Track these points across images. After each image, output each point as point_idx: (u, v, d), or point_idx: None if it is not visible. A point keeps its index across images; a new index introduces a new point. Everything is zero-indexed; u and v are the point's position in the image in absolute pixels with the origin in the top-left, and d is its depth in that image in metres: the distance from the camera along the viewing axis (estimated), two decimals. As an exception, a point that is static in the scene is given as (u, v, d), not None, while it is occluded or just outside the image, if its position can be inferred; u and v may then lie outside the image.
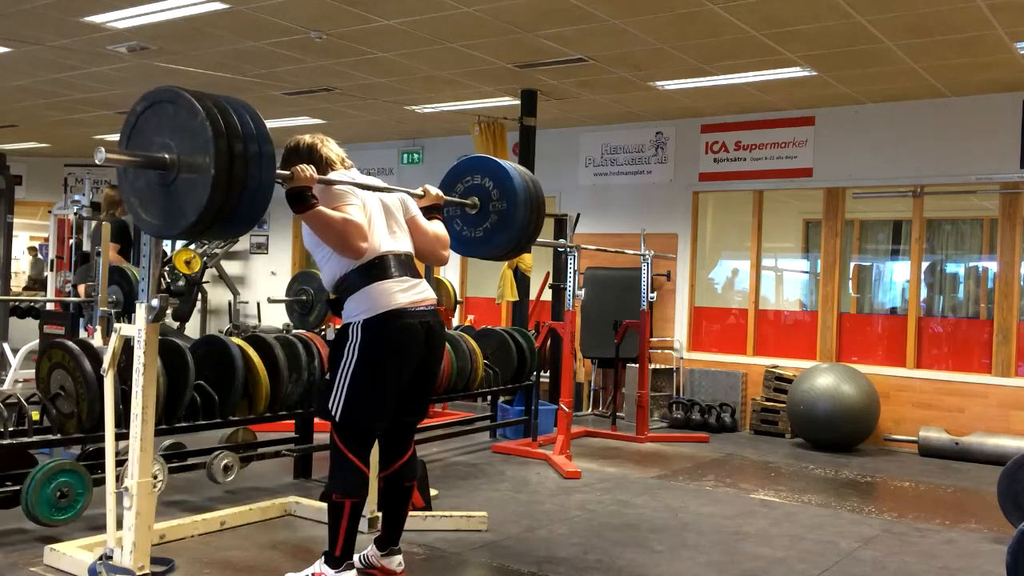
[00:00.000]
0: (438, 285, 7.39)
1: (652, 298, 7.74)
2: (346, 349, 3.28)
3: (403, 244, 3.46)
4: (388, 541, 3.58)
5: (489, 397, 7.50)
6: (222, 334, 5.92)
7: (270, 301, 7.47)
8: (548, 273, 8.55)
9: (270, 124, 2.99)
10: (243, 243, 12.13)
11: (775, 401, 7.91)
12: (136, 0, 5.96)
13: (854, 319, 8.22)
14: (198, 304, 10.81)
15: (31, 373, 5.89)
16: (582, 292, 6.79)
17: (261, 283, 11.94)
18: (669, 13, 5.70)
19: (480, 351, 6.29)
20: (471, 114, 8.54)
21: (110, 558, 3.34)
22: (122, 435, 3.64)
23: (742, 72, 7.02)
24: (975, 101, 7.46)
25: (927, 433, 7.18)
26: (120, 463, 3.47)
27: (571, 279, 6.54)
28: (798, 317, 8.55)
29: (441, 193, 3.81)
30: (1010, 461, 4.59)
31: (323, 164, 3.44)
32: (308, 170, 3.14)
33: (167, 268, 8.46)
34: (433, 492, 4.88)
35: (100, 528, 3.83)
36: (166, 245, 7.82)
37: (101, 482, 3.92)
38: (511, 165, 4.11)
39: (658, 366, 8.70)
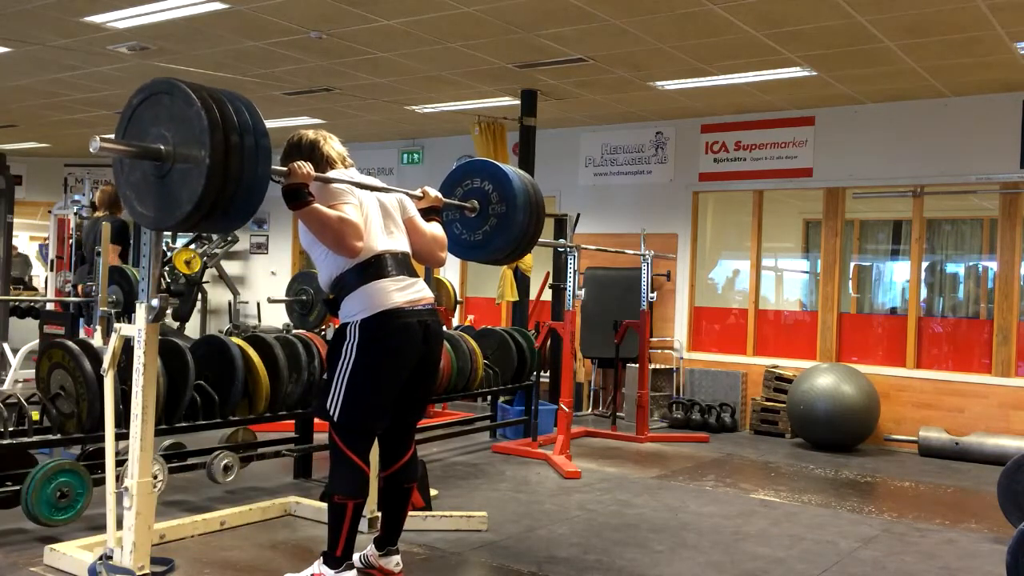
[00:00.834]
0: (438, 285, 7.39)
1: (652, 298, 7.74)
2: (343, 349, 3.28)
3: (400, 244, 3.46)
4: (387, 541, 3.58)
5: (489, 397, 7.51)
6: (222, 334, 5.92)
7: (270, 301, 7.48)
8: (548, 273, 8.55)
9: (270, 124, 2.99)
10: (243, 243, 12.14)
11: (775, 401, 7.91)
12: (136, 0, 5.96)
13: (854, 319, 8.22)
14: (198, 304, 10.80)
15: (31, 373, 5.89)
16: (582, 292, 6.79)
17: (261, 283, 11.94)
18: (669, 13, 5.70)
19: (480, 351, 6.29)
20: (471, 114, 8.54)
21: (110, 558, 3.34)
22: (122, 435, 3.64)
23: (742, 72, 7.02)
24: (975, 101, 7.46)
25: (927, 433, 7.18)
26: (120, 463, 3.47)
27: (571, 279, 6.54)
28: (798, 317, 8.55)
29: (440, 195, 3.81)
30: (1010, 461, 4.59)
31: (323, 162, 3.43)
32: (305, 167, 3.14)
33: (167, 268, 8.46)
34: (433, 492, 4.88)
35: (100, 528, 3.84)
36: (166, 245, 7.82)
37: (101, 482, 3.92)
38: (511, 169, 4.11)
39: (658, 366, 8.70)
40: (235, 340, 4.74)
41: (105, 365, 3.49)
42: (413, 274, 3.43)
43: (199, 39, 6.76)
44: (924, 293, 7.97)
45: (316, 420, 5.23)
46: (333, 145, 3.51)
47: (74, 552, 3.59)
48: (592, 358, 8.97)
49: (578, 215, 8.23)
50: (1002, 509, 4.56)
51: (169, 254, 8.73)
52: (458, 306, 8.10)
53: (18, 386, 7.94)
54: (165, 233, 3.64)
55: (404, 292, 3.32)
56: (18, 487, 3.90)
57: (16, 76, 8.25)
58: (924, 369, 7.67)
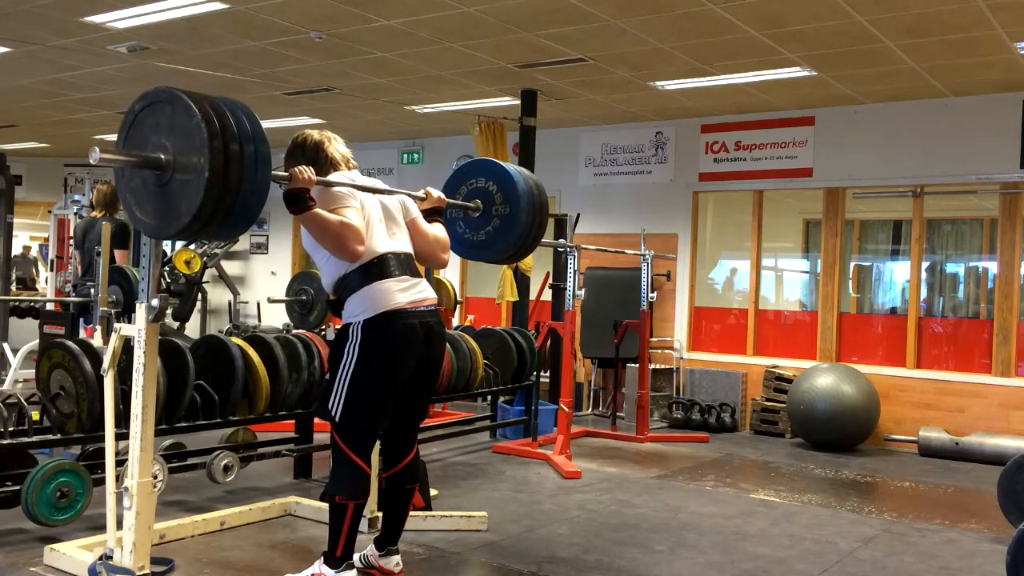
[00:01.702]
0: (438, 285, 7.39)
1: (652, 298, 7.74)
2: (346, 349, 3.28)
3: (402, 245, 3.46)
4: (387, 541, 3.58)
5: (489, 397, 7.51)
6: (222, 334, 5.92)
7: (270, 301, 7.47)
8: (548, 273, 8.55)
9: (270, 124, 2.99)
10: (243, 243, 12.14)
11: (775, 401, 7.91)
12: (136, 0, 5.96)
13: (854, 319, 8.22)
14: (198, 304, 10.80)
15: (31, 373, 5.89)
16: (582, 292, 6.79)
17: (261, 283, 11.94)
18: (669, 13, 5.70)
19: (480, 351, 6.29)
20: (471, 114, 8.54)
21: (110, 558, 3.34)
22: (122, 435, 3.64)
23: (742, 72, 7.02)
24: (975, 101, 7.46)
25: (927, 433, 7.18)
26: (120, 463, 3.48)
27: (571, 279, 6.54)
28: (798, 317, 8.55)
29: (443, 196, 3.81)
30: (1010, 461, 4.60)
31: (327, 164, 3.43)
32: (306, 172, 3.13)
33: (167, 268, 8.46)
34: (433, 492, 4.88)
35: (100, 528, 3.84)
36: (166, 245, 7.83)
37: (101, 482, 3.93)
38: (515, 168, 4.10)
39: (658, 366, 8.70)
40: (235, 340, 4.74)
41: (105, 365, 3.49)
42: (416, 275, 3.43)
43: (199, 39, 6.76)
44: (924, 293, 7.97)
45: (316, 420, 5.24)
46: (337, 147, 3.51)
47: (74, 552, 3.59)
48: (592, 358, 8.97)
49: (578, 215, 8.22)
50: (1002, 509, 4.56)
51: (169, 254, 8.73)
52: (458, 306, 8.09)
53: (18, 386, 7.94)
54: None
55: (407, 293, 3.32)
56: (18, 487, 3.90)
57: (16, 76, 8.25)
58: (924, 369, 7.67)
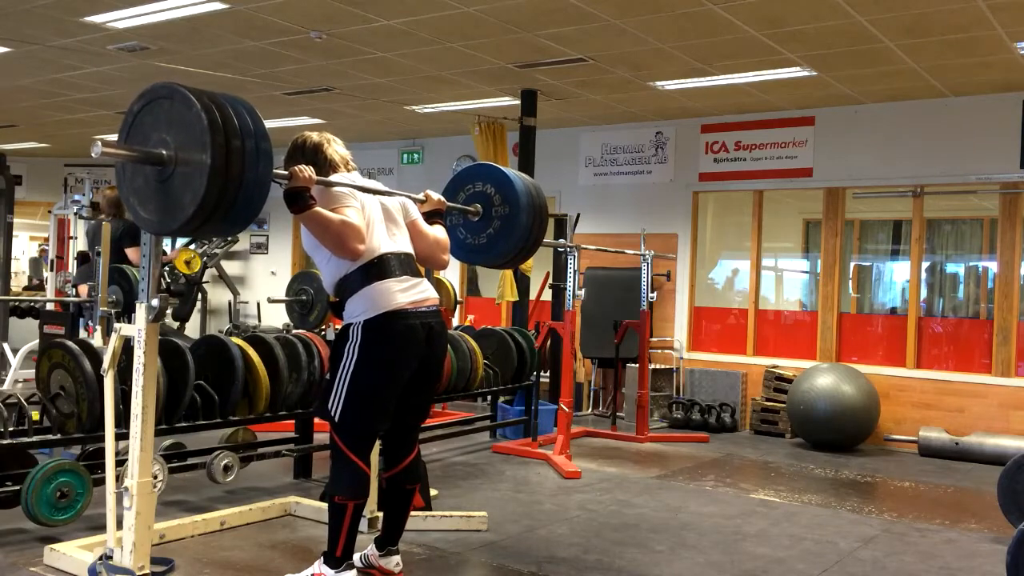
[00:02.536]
0: (438, 285, 7.38)
1: (652, 298, 7.74)
2: (346, 349, 3.28)
3: (403, 245, 3.46)
4: (387, 541, 3.58)
5: (489, 397, 7.51)
6: (222, 334, 5.92)
7: (270, 301, 7.47)
8: (548, 273, 8.55)
9: (270, 124, 2.99)
10: (243, 243, 12.14)
11: (775, 401, 7.91)
12: (136, 0, 5.96)
13: (854, 319, 8.22)
14: (198, 304, 10.80)
15: (31, 373, 5.90)
16: (582, 292, 6.79)
17: (261, 283, 11.94)
18: (669, 13, 5.70)
19: (480, 351, 6.29)
20: (471, 114, 8.54)
21: (110, 558, 3.34)
22: (122, 435, 3.64)
23: (742, 72, 7.02)
24: (975, 101, 7.46)
25: (927, 433, 7.18)
26: (120, 463, 3.48)
27: (571, 279, 6.54)
28: (798, 317, 8.56)
29: (443, 198, 3.81)
30: (1010, 461, 4.60)
31: (326, 165, 3.43)
32: (307, 171, 3.13)
33: (167, 268, 8.46)
34: (433, 492, 4.88)
35: (100, 528, 3.84)
36: (166, 245, 7.82)
37: (101, 482, 3.93)
38: (514, 172, 4.12)
39: (658, 366, 8.70)
40: (235, 340, 4.74)
41: (105, 365, 3.50)
42: (417, 275, 3.43)
43: (199, 39, 6.76)
44: (924, 293, 7.97)
45: (316, 420, 5.24)
46: (336, 148, 3.52)
47: (74, 552, 3.59)
48: (592, 358, 8.97)
49: (578, 215, 8.22)
50: (1002, 509, 4.56)
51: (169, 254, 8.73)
52: (458, 306, 8.09)
53: (18, 386, 7.95)
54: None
55: (408, 293, 3.32)
56: (18, 487, 3.90)
57: (16, 76, 8.25)
58: (924, 369, 7.67)
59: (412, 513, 4.24)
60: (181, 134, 2.86)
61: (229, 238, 11.27)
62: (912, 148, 7.72)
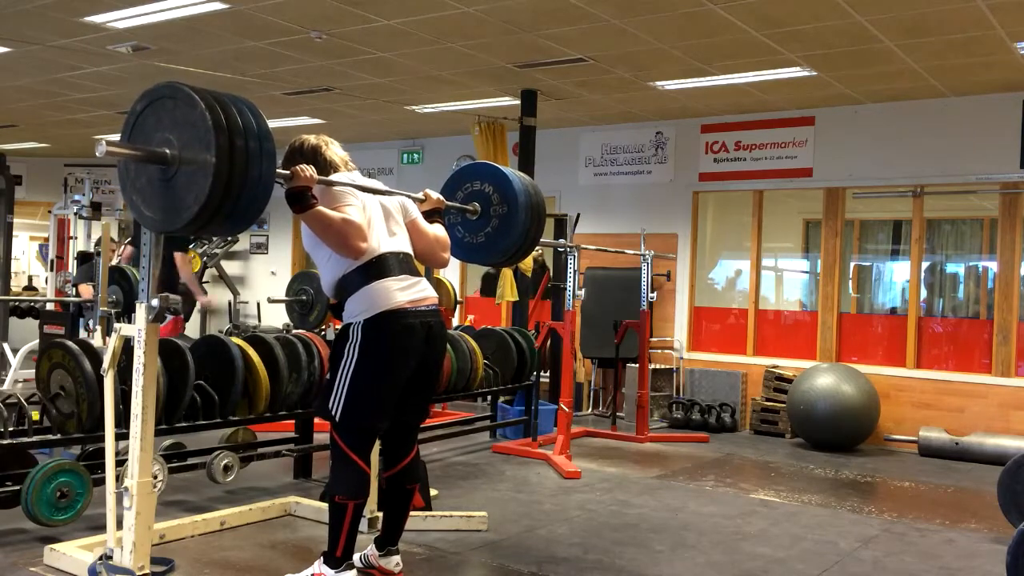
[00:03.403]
0: (437, 285, 7.39)
1: (652, 298, 7.74)
2: (346, 349, 3.28)
3: (402, 244, 3.46)
4: (387, 541, 3.59)
5: (489, 397, 7.51)
6: (222, 334, 5.92)
7: (270, 301, 7.48)
8: (548, 273, 8.55)
9: (271, 124, 2.99)
10: (243, 243, 12.14)
11: (775, 401, 7.91)
12: (136, 0, 5.96)
13: (854, 319, 8.22)
14: (198, 304, 10.79)
15: (31, 373, 5.90)
16: (582, 292, 6.79)
17: (261, 283, 11.94)
18: (669, 13, 5.70)
19: (480, 351, 6.29)
20: (471, 114, 8.54)
21: (110, 558, 3.34)
22: (122, 435, 3.64)
23: (742, 72, 7.02)
24: (975, 101, 7.46)
25: (927, 433, 7.18)
26: (120, 463, 3.48)
27: (571, 279, 6.54)
28: (798, 317, 8.55)
29: (442, 197, 3.83)
30: (1010, 461, 4.60)
31: (326, 166, 3.44)
32: (308, 170, 3.15)
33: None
34: (433, 492, 4.88)
35: (100, 528, 3.84)
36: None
37: (101, 482, 3.93)
38: (511, 171, 4.14)
39: (658, 366, 8.70)
40: (235, 340, 4.74)
41: (105, 365, 3.50)
42: (416, 274, 3.44)
43: (199, 39, 6.76)
44: (924, 293, 7.97)
45: (316, 420, 5.24)
46: (335, 149, 3.54)
47: (74, 552, 3.59)
48: (592, 358, 8.97)
49: (578, 215, 8.22)
50: (1002, 509, 4.56)
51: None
52: (458, 306, 8.09)
53: (18, 386, 7.95)
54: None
55: (407, 292, 3.33)
56: (18, 487, 3.90)
57: (16, 76, 8.25)
58: (924, 369, 7.67)
59: (412, 513, 4.24)
60: (185, 133, 2.86)
61: (229, 238, 11.27)
62: (912, 148, 7.72)
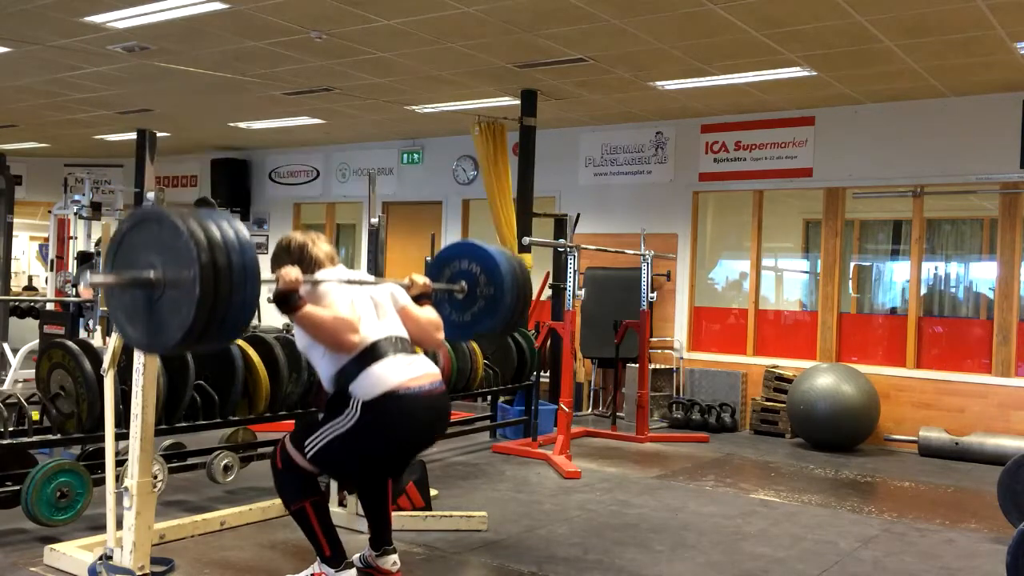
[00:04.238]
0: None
1: (652, 298, 7.74)
2: (344, 412, 3.24)
3: (394, 329, 3.43)
4: (379, 541, 3.59)
5: (489, 397, 7.50)
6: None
7: (270, 301, 7.47)
8: (548, 273, 8.55)
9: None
10: (243, 243, 12.10)
11: (775, 401, 7.91)
12: (136, 0, 5.96)
13: (854, 319, 8.22)
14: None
15: (31, 373, 5.90)
16: (582, 292, 6.79)
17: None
18: (669, 13, 5.70)
19: (480, 351, 6.29)
20: (471, 114, 8.54)
21: (110, 558, 3.35)
22: (122, 435, 3.64)
23: (742, 72, 7.02)
24: (975, 101, 7.46)
25: (927, 433, 7.18)
26: (120, 463, 3.48)
27: (571, 279, 6.54)
28: (798, 317, 8.56)
29: (428, 281, 3.79)
30: (1010, 461, 4.60)
31: (312, 264, 3.44)
32: (293, 272, 3.15)
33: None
34: (433, 492, 4.88)
35: (100, 528, 3.84)
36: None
37: (101, 482, 3.93)
38: (497, 249, 4.08)
39: (658, 366, 8.70)
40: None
41: (105, 365, 3.50)
42: (412, 353, 3.42)
43: (199, 39, 6.76)
44: (924, 293, 7.97)
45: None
46: (321, 246, 3.52)
47: (74, 552, 3.60)
48: (592, 358, 8.97)
49: (578, 215, 8.23)
50: (1002, 509, 4.56)
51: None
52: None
53: (18, 386, 7.95)
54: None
55: (405, 370, 3.29)
56: (18, 487, 3.90)
57: (16, 76, 8.25)
58: (924, 369, 7.67)
59: (412, 513, 4.25)
60: (169, 258, 2.76)
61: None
62: (912, 148, 7.72)
